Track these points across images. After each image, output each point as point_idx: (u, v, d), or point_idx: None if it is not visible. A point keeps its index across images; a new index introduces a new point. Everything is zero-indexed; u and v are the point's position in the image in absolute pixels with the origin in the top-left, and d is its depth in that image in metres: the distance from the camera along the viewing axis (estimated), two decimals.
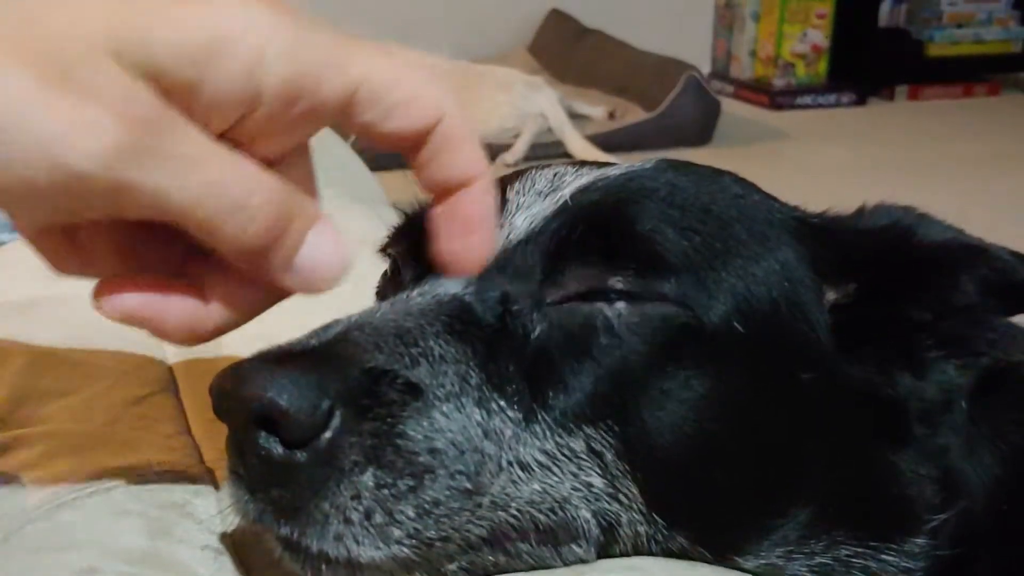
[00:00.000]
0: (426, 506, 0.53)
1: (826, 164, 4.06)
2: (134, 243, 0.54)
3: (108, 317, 0.52)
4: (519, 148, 3.98)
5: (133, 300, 0.52)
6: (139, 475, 0.65)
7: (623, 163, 0.71)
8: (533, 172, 0.71)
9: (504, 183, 0.70)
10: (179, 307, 0.52)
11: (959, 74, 5.54)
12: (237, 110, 0.47)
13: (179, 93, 0.45)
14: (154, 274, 0.53)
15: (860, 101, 5.39)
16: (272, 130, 0.50)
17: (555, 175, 0.69)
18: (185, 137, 0.45)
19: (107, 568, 0.55)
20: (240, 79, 0.46)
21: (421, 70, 0.53)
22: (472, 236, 0.57)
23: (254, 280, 0.52)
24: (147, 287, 0.52)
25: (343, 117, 0.51)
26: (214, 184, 0.46)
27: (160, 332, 0.53)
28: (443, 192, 0.56)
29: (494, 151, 3.94)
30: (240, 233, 0.48)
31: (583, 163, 0.73)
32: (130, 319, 0.52)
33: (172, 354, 0.92)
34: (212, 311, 0.53)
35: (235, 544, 0.61)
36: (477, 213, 0.56)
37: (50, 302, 0.92)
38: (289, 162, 0.54)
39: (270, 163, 0.52)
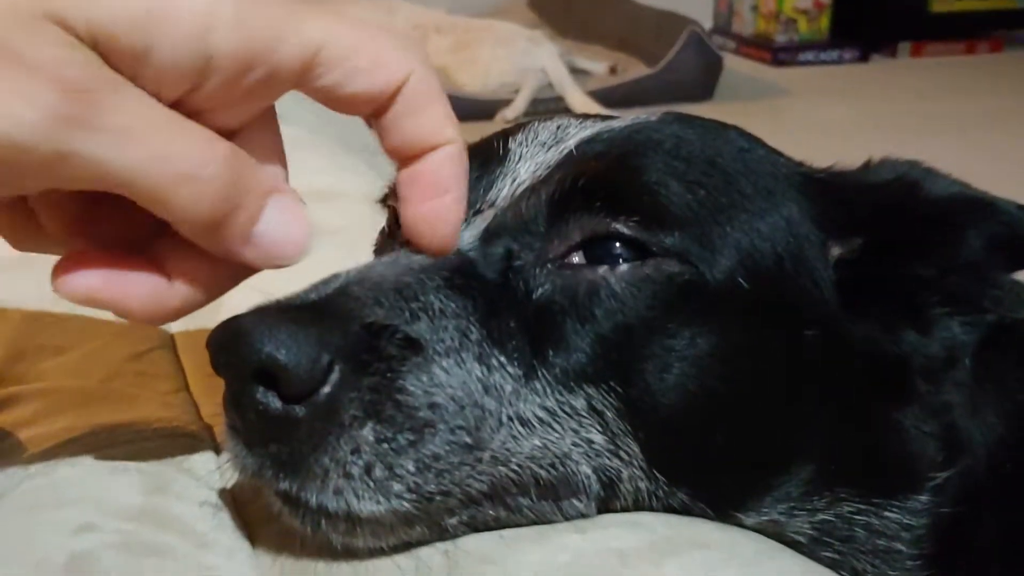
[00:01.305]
0: (426, 460, 0.53)
1: (828, 121, 4.04)
2: (93, 217, 0.52)
3: (68, 299, 0.50)
4: (519, 104, 3.96)
5: (93, 279, 0.49)
6: (137, 432, 0.65)
7: (627, 116, 0.70)
8: (536, 124, 0.70)
9: (506, 135, 0.69)
10: (141, 285, 0.50)
11: (962, 31, 5.50)
12: (188, 78, 0.45)
13: (127, 60, 0.44)
14: (114, 251, 0.51)
15: (863, 58, 5.36)
16: (230, 98, 0.48)
17: (559, 127, 0.68)
18: (129, 104, 0.43)
19: (105, 525, 0.54)
20: (187, 46, 0.44)
21: (383, 33, 0.51)
22: (440, 199, 0.54)
23: (217, 256, 0.50)
24: (107, 264, 0.50)
25: (302, 82, 0.49)
26: (160, 154, 0.44)
27: (123, 311, 0.51)
28: (409, 157, 0.54)
29: (494, 107, 3.92)
30: (191, 205, 0.46)
31: (587, 115, 0.72)
32: (91, 300, 0.50)
33: None
34: (176, 289, 0.51)
35: (234, 500, 0.61)
36: (446, 175, 0.54)
37: (46, 257, 0.91)
38: (252, 130, 0.52)
39: (231, 132, 0.50)
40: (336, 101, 0.51)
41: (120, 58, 0.43)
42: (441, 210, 0.54)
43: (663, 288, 0.59)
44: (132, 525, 0.55)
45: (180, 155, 0.45)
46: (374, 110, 0.52)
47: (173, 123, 0.45)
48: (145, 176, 0.44)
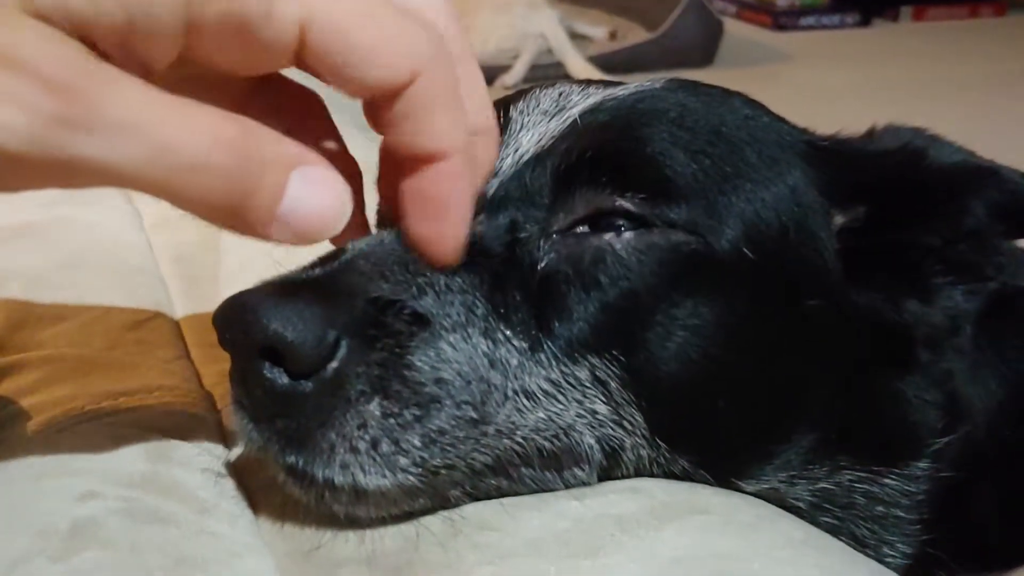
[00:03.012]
0: (432, 435, 0.53)
1: (830, 86, 4.02)
2: None
3: None
4: (518, 70, 3.94)
5: None
6: (138, 400, 0.65)
7: (631, 82, 0.69)
8: (537, 91, 0.69)
9: (507, 103, 0.69)
10: None
11: None
12: (177, 43, 0.43)
13: (112, 39, 0.41)
14: None
15: (864, 22, 5.33)
16: (228, 61, 0.46)
17: (560, 94, 0.68)
18: (124, 96, 0.40)
19: (107, 492, 0.55)
20: (174, 18, 0.42)
21: (398, 22, 0.46)
22: (442, 222, 0.51)
23: None
24: None
25: (303, 60, 0.46)
26: (163, 146, 0.41)
27: None
28: (409, 161, 0.50)
29: (493, 73, 3.90)
30: (204, 194, 0.43)
31: (589, 82, 0.71)
32: None
33: (168, 274, 0.92)
34: None
35: (235, 467, 0.61)
36: (447, 196, 0.50)
37: (46, 226, 0.92)
38: (270, 93, 0.49)
39: (248, 97, 0.48)
40: (338, 85, 0.47)
41: (104, 38, 0.41)
42: (442, 231, 0.52)
43: (668, 256, 0.58)
44: (135, 492, 0.55)
45: (184, 144, 0.41)
46: (378, 100, 0.48)
47: (174, 110, 0.42)
48: (150, 171, 0.41)
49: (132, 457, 0.58)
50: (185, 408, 0.65)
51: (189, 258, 0.93)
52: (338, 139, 0.59)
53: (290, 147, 0.45)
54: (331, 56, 0.45)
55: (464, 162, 0.50)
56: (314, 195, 0.45)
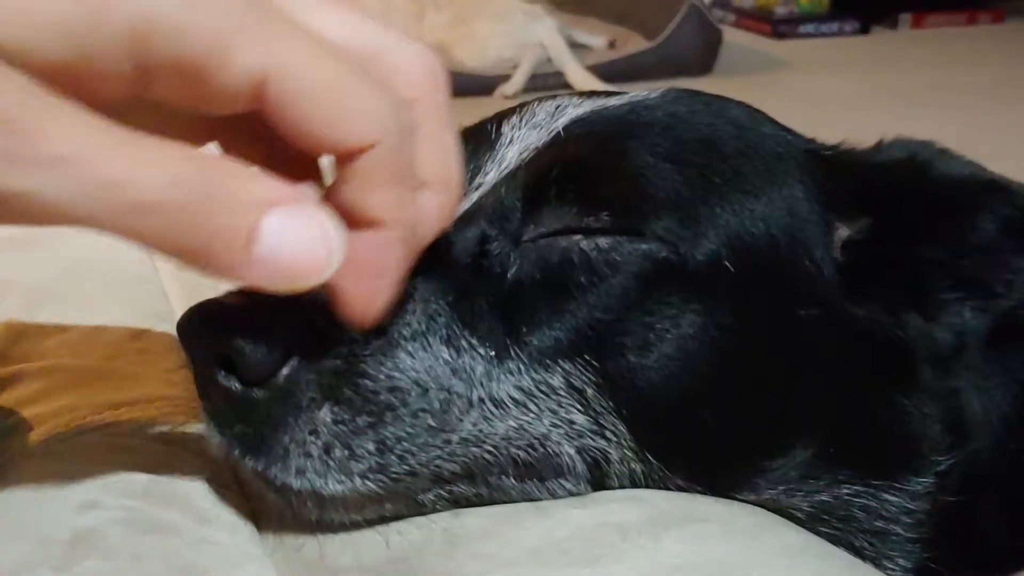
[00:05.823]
0: (388, 442, 0.53)
1: (829, 94, 4.02)
2: None
3: None
4: (518, 80, 3.95)
5: None
6: (140, 409, 0.65)
7: (631, 92, 0.69)
8: (534, 104, 0.69)
9: (501, 117, 0.68)
10: None
11: (963, 1, 5.47)
12: (130, 84, 0.40)
13: (58, 73, 0.38)
14: None
15: (863, 30, 5.34)
16: (187, 104, 0.42)
17: (557, 107, 0.67)
18: (65, 129, 0.37)
19: (109, 502, 0.55)
20: (122, 55, 0.39)
21: (360, 84, 0.43)
22: (365, 284, 0.48)
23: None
24: None
25: (263, 108, 0.42)
26: (106, 183, 0.38)
27: None
28: (351, 218, 0.46)
29: (493, 82, 3.91)
30: (160, 235, 0.39)
31: (591, 93, 0.71)
32: None
33: (168, 280, 0.92)
34: None
35: (236, 476, 0.61)
36: (374, 263, 0.48)
37: (46, 236, 0.92)
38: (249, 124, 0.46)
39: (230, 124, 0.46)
40: (288, 139, 0.44)
41: (46, 74, 0.38)
42: (362, 293, 0.48)
43: (639, 265, 0.58)
44: (136, 502, 0.55)
45: (135, 181, 0.38)
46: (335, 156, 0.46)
47: (123, 145, 0.39)
48: (94, 209, 0.38)
49: (133, 467, 0.58)
50: (186, 418, 0.65)
51: None
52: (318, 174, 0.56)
53: (264, 186, 0.42)
54: (285, 114, 0.42)
55: (400, 236, 0.48)
56: (296, 238, 0.42)
